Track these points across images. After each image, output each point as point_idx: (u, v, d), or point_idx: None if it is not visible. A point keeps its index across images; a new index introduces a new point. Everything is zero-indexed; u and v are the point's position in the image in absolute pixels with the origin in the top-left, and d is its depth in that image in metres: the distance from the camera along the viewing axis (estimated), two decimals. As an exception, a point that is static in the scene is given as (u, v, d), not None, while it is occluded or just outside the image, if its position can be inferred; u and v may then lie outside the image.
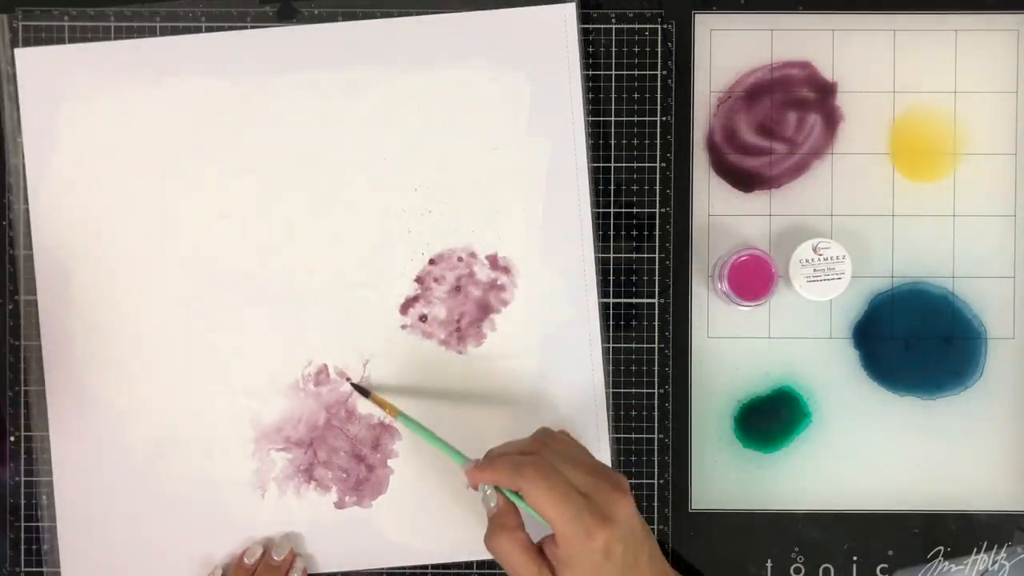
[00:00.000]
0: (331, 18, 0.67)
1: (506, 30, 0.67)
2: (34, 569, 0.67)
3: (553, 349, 0.67)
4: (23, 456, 0.67)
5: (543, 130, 0.67)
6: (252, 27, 0.67)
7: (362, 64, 0.67)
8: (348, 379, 0.67)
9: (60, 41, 0.67)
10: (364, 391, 0.66)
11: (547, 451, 0.60)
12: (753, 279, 0.64)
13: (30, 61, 0.67)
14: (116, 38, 0.67)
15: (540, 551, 0.59)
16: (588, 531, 0.57)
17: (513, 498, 0.59)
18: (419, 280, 0.67)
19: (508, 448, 0.61)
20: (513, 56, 0.67)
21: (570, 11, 0.67)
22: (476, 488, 0.61)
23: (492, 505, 0.60)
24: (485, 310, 0.67)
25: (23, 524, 0.67)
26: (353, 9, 0.67)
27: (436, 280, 0.67)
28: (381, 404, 0.65)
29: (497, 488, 0.60)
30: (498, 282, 0.67)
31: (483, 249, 0.67)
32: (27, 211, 0.67)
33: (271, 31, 0.67)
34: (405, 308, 0.67)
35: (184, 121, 0.67)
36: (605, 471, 0.60)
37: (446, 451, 0.62)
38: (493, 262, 0.67)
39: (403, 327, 0.67)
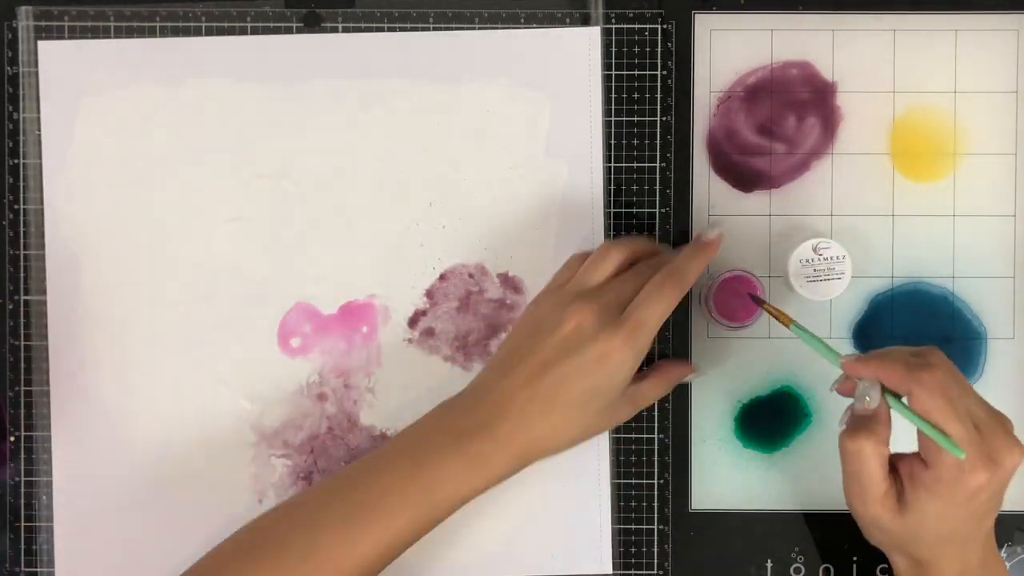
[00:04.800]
0: (355, 29, 0.67)
1: (530, 50, 0.67)
2: (34, 569, 0.67)
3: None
4: (23, 456, 0.67)
5: (561, 152, 0.67)
6: (253, 27, 0.67)
7: (385, 76, 0.67)
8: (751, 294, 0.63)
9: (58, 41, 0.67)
10: (759, 300, 0.63)
11: (947, 366, 0.56)
12: (738, 299, 0.64)
13: (53, 54, 0.67)
14: (116, 38, 0.67)
15: (894, 471, 0.57)
16: (971, 464, 0.53)
17: (893, 403, 0.56)
18: (428, 294, 0.67)
19: (896, 350, 0.57)
20: (535, 77, 0.67)
21: (595, 35, 0.67)
22: (846, 391, 0.58)
23: (871, 406, 0.56)
24: (494, 328, 0.67)
25: (23, 524, 0.67)
26: (380, 24, 0.67)
27: (446, 295, 0.67)
28: (775, 313, 0.62)
29: (883, 390, 0.56)
30: (507, 301, 0.67)
31: (494, 267, 0.67)
32: (27, 211, 0.67)
33: (297, 38, 0.67)
34: (413, 321, 0.67)
35: (203, 122, 0.67)
36: (999, 413, 0.56)
37: (824, 351, 0.59)
38: (504, 280, 0.67)
39: (409, 340, 0.67)
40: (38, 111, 0.67)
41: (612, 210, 0.67)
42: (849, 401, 0.59)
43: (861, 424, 0.57)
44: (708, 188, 0.68)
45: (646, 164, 0.67)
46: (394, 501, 0.57)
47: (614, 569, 0.67)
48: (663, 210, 0.67)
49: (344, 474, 0.60)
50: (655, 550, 0.67)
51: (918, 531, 0.57)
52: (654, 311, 0.58)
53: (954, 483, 0.54)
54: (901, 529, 0.57)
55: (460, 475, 0.58)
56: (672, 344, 0.67)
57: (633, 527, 0.67)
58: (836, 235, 0.67)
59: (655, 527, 0.67)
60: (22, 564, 0.67)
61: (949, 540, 0.57)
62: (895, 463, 0.57)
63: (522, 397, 0.58)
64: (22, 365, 0.67)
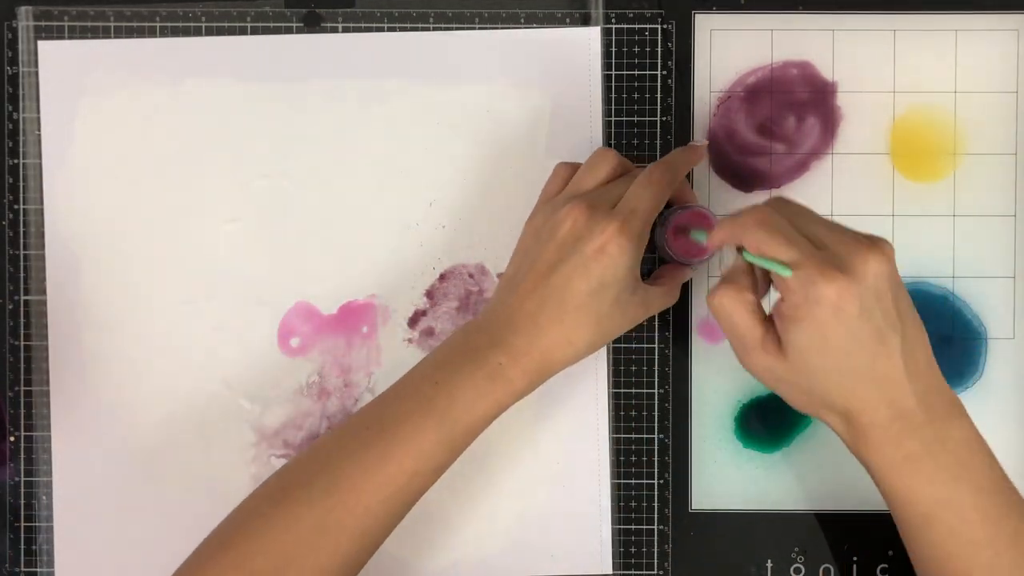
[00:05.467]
0: (355, 29, 0.67)
1: (530, 50, 0.67)
2: (34, 569, 0.67)
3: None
4: (23, 456, 0.67)
5: (561, 152, 0.67)
6: (253, 27, 0.67)
7: (384, 76, 0.67)
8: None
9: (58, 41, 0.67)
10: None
11: (780, 205, 0.55)
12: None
13: (53, 54, 0.67)
14: (116, 38, 0.67)
15: (770, 319, 0.55)
16: (812, 279, 0.51)
17: (750, 258, 0.54)
18: (428, 294, 0.67)
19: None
20: (535, 76, 0.67)
21: (595, 35, 0.67)
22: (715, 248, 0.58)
23: (728, 262, 0.55)
24: None
25: (23, 524, 0.67)
26: (380, 24, 0.67)
27: (446, 295, 0.67)
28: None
29: (740, 252, 0.55)
30: None
31: (494, 267, 0.67)
32: (27, 211, 0.67)
33: (297, 38, 0.67)
34: (413, 321, 0.67)
35: (202, 122, 0.67)
36: (858, 232, 0.53)
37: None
38: None
39: (409, 340, 0.67)
40: (38, 111, 0.67)
41: (612, 210, 0.67)
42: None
43: (722, 280, 0.56)
44: (708, 188, 0.68)
45: (646, 164, 0.67)
46: (415, 424, 0.57)
47: (614, 569, 0.67)
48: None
49: (364, 407, 0.59)
50: (655, 550, 0.67)
51: (811, 370, 0.54)
52: (644, 198, 0.58)
53: (808, 302, 0.51)
54: (794, 373, 0.54)
55: (479, 391, 0.57)
56: (672, 344, 0.67)
57: (633, 527, 0.67)
58: (836, 235, 0.67)
59: (655, 527, 0.67)
60: (22, 564, 0.67)
61: (852, 374, 0.53)
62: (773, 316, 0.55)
63: (531, 307, 0.58)
64: (22, 365, 0.67)
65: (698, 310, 0.67)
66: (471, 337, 0.59)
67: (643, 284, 0.60)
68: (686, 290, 0.67)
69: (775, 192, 0.67)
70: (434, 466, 0.58)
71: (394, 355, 0.67)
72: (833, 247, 0.52)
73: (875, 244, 0.53)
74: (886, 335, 0.53)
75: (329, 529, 0.56)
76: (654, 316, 0.67)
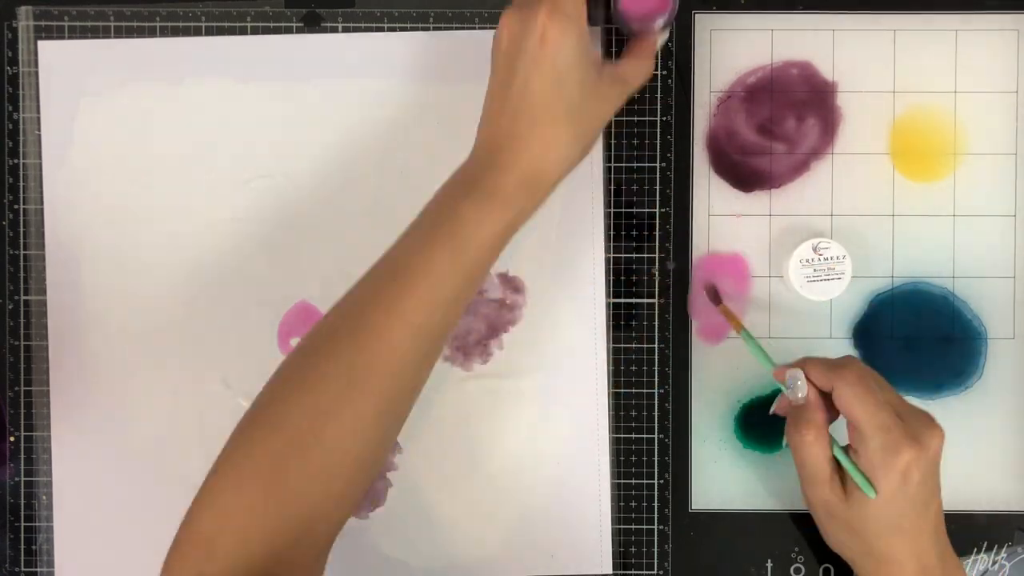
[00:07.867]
0: (355, 29, 0.67)
1: None
2: (34, 569, 0.67)
3: (560, 370, 0.67)
4: (23, 456, 0.67)
5: None
6: (253, 27, 0.67)
7: (383, 75, 0.67)
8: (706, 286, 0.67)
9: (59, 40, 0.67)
10: (716, 299, 0.67)
11: (864, 366, 0.61)
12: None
13: (53, 54, 0.67)
14: (116, 38, 0.67)
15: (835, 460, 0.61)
16: (895, 446, 0.58)
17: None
18: None
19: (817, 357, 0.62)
20: None
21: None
22: (783, 409, 0.63)
23: (800, 396, 0.61)
24: (494, 328, 0.67)
25: (23, 524, 0.67)
26: (380, 24, 0.67)
27: None
28: (727, 315, 0.66)
29: (810, 382, 0.61)
30: (507, 301, 0.67)
31: (494, 267, 0.67)
32: (27, 211, 0.67)
33: (297, 38, 0.67)
34: None
35: (202, 122, 0.67)
36: (917, 407, 0.61)
37: (763, 359, 0.64)
38: (504, 280, 0.67)
39: None
40: (38, 111, 0.67)
41: (612, 210, 0.67)
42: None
43: (799, 415, 0.61)
44: (708, 188, 0.68)
45: (646, 164, 0.67)
46: (425, 256, 0.57)
47: (614, 569, 0.67)
48: (663, 210, 0.67)
49: (378, 260, 0.59)
50: (655, 550, 0.67)
51: (866, 517, 0.59)
52: None
53: (884, 466, 0.58)
54: (850, 514, 0.60)
55: (482, 208, 0.57)
56: (672, 344, 0.67)
57: (633, 527, 0.67)
58: (836, 235, 0.67)
59: (655, 527, 0.67)
60: (22, 564, 0.67)
61: (898, 530, 0.59)
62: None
63: (506, 123, 0.58)
64: (22, 365, 0.67)
65: (698, 310, 0.68)
66: (462, 171, 0.59)
67: (609, 62, 0.61)
68: (685, 292, 0.67)
69: (775, 192, 0.67)
70: (451, 295, 0.57)
71: (394, 355, 0.67)
72: (908, 418, 0.59)
73: (935, 423, 0.60)
74: (929, 501, 0.60)
75: (358, 376, 0.55)
76: (654, 316, 0.67)
